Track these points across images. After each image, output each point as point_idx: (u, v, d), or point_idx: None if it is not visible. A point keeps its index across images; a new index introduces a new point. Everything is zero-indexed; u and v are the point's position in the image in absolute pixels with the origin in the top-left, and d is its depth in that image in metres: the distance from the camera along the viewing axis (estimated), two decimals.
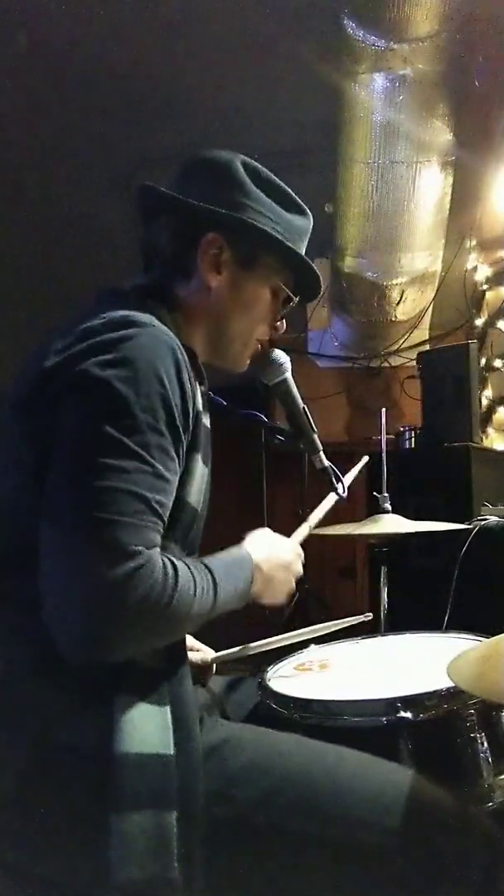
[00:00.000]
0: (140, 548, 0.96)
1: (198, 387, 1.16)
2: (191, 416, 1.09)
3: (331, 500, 1.55)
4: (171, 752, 1.00)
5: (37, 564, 0.99)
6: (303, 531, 1.46)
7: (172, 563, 1.01)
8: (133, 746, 0.98)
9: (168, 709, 1.03)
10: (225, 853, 1.01)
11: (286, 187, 1.29)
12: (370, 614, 1.49)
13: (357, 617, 1.48)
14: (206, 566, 1.09)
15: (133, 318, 1.07)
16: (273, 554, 1.25)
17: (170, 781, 0.98)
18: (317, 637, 1.51)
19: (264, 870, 1.02)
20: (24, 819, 0.98)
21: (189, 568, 1.04)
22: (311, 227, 1.32)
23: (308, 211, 1.32)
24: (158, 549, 1.00)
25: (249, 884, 1.02)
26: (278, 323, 1.33)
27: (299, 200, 1.31)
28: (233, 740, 1.09)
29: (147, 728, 1.00)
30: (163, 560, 0.99)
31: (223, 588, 1.09)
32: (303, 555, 1.34)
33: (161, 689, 1.04)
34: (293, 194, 1.30)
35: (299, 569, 1.30)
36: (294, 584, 1.28)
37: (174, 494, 1.05)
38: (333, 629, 1.47)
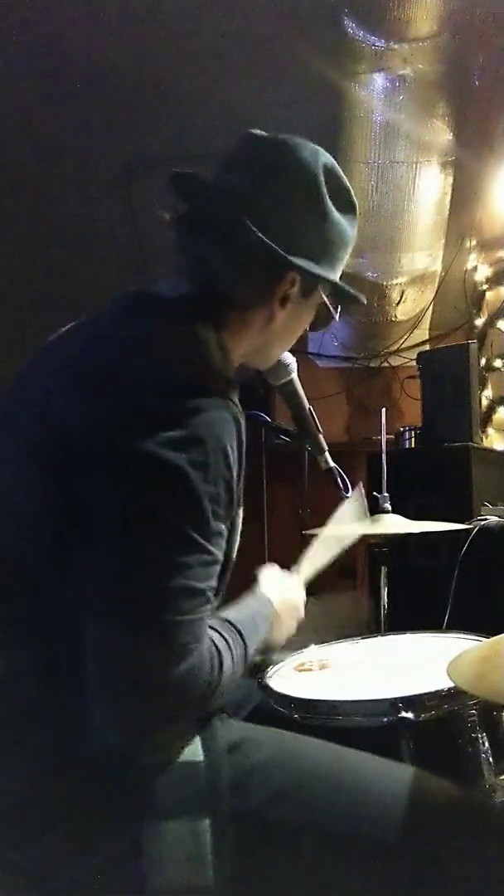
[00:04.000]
0: (194, 645, 0.93)
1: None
2: (241, 484, 1.05)
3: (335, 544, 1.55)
4: (201, 758, 1.00)
5: (45, 583, 0.98)
6: (309, 570, 1.46)
7: (217, 647, 1.00)
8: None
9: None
10: (238, 848, 1.00)
11: (348, 183, 1.19)
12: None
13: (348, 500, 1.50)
14: (237, 629, 1.07)
15: (200, 386, 0.98)
16: (286, 597, 1.28)
17: (201, 789, 0.99)
18: (319, 605, 1.52)
19: (276, 865, 1.01)
20: (53, 826, 0.97)
21: (226, 641, 1.03)
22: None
23: (357, 206, 1.21)
24: (206, 635, 0.98)
25: (261, 879, 1.01)
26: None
27: (354, 198, 1.20)
28: (250, 740, 1.08)
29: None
30: (209, 649, 0.98)
31: (250, 648, 1.10)
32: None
33: None
34: (351, 191, 1.19)
35: (303, 613, 1.33)
36: (295, 628, 1.31)
37: None
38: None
